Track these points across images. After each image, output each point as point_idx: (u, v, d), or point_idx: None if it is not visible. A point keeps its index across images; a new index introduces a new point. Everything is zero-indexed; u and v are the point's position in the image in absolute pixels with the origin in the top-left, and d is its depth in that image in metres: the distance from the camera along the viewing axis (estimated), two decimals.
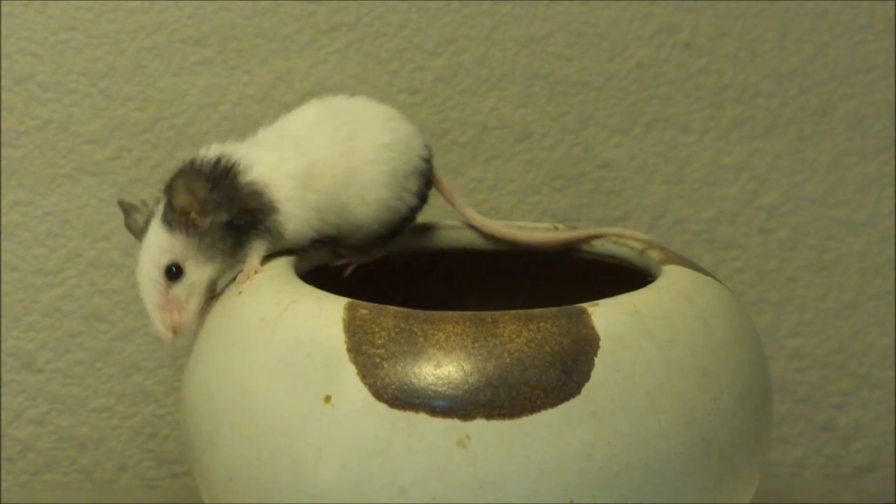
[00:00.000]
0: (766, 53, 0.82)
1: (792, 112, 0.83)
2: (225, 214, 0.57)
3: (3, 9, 0.78)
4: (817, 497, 0.83)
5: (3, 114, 0.79)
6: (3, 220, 0.80)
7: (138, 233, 0.58)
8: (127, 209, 0.59)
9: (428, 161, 0.63)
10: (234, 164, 0.58)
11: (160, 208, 0.57)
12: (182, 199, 0.56)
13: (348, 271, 0.63)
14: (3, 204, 0.80)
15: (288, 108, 0.79)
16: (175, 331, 0.56)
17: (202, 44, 0.80)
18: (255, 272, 0.57)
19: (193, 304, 0.57)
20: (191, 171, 0.57)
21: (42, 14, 0.79)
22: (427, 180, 0.63)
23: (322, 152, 0.60)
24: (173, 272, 0.56)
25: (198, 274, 0.57)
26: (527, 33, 0.81)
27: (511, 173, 0.82)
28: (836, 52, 0.82)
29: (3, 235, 0.80)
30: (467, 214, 0.66)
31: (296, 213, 0.58)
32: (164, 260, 0.56)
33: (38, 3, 0.79)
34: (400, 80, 0.81)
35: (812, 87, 0.83)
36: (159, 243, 0.56)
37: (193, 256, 0.56)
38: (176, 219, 0.56)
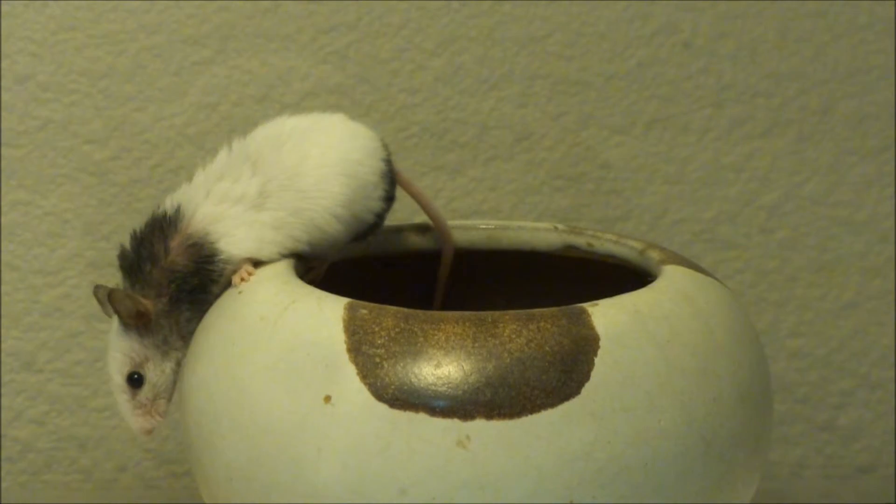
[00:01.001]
0: (766, 53, 0.82)
1: (792, 112, 0.83)
2: (164, 300, 0.57)
3: (3, 9, 0.78)
4: (817, 497, 0.83)
5: (3, 114, 0.79)
6: (3, 220, 0.80)
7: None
8: (101, 300, 0.59)
9: (388, 161, 0.63)
10: (168, 228, 0.58)
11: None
12: (125, 310, 0.57)
13: (317, 276, 0.62)
14: (3, 204, 0.80)
15: (288, 107, 0.80)
16: (148, 432, 0.59)
17: (202, 44, 0.80)
18: (249, 273, 0.57)
19: (160, 405, 0.58)
20: (121, 291, 0.57)
21: (42, 14, 0.79)
22: (391, 180, 0.63)
23: (286, 167, 0.59)
24: (135, 379, 0.58)
25: (157, 374, 0.58)
26: (527, 33, 0.81)
27: (511, 173, 0.82)
28: (836, 52, 0.82)
29: (3, 235, 0.80)
30: (423, 201, 0.66)
31: (245, 237, 0.58)
32: (126, 368, 0.58)
33: (38, 3, 0.79)
34: (400, 80, 0.81)
35: (812, 87, 0.83)
36: (120, 348, 0.58)
37: (151, 357, 0.58)
38: (127, 322, 0.57)
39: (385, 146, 0.63)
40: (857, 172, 0.83)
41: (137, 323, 0.57)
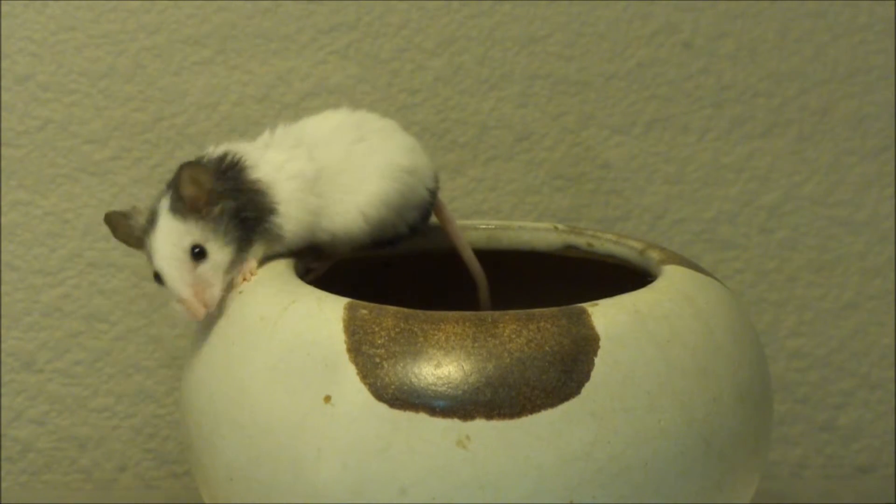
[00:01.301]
0: (766, 53, 0.82)
1: (792, 112, 0.83)
2: (232, 202, 0.57)
3: (3, 9, 0.78)
4: (817, 497, 0.83)
5: (3, 114, 0.79)
6: (3, 220, 0.80)
7: (141, 233, 0.57)
8: (119, 218, 0.58)
9: (433, 194, 0.63)
10: (240, 160, 0.58)
11: (165, 202, 0.57)
12: (190, 189, 0.56)
13: (317, 277, 0.62)
14: (3, 204, 0.80)
15: (288, 107, 0.80)
16: (206, 306, 0.55)
17: (202, 44, 0.80)
18: (252, 274, 0.57)
19: (220, 281, 0.56)
20: (196, 163, 0.56)
21: (42, 14, 0.79)
22: (426, 214, 0.63)
23: (336, 158, 0.60)
24: (196, 252, 0.56)
25: (220, 255, 0.56)
26: (527, 33, 0.81)
27: (511, 173, 0.82)
28: (836, 52, 0.82)
29: (3, 235, 0.80)
30: (459, 245, 0.66)
31: (294, 216, 0.58)
32: (186, 242, 0.56)
33: (38, 3, 0.79)
34: (400, 80, 0.81)
35: (812, 87, 0.83)
36: (176, 230, 0.56)
37: (213, 239, 0.56)
38: (187, 208, 0.56)
39: (436, 178, 0.64)
40: (857, 172, 0.83)
41: (194, 207, 0.56)
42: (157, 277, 0.56)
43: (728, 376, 0.52)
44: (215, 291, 0.55)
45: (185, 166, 0.56)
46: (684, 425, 0.50)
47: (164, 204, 0.57)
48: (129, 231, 0.58)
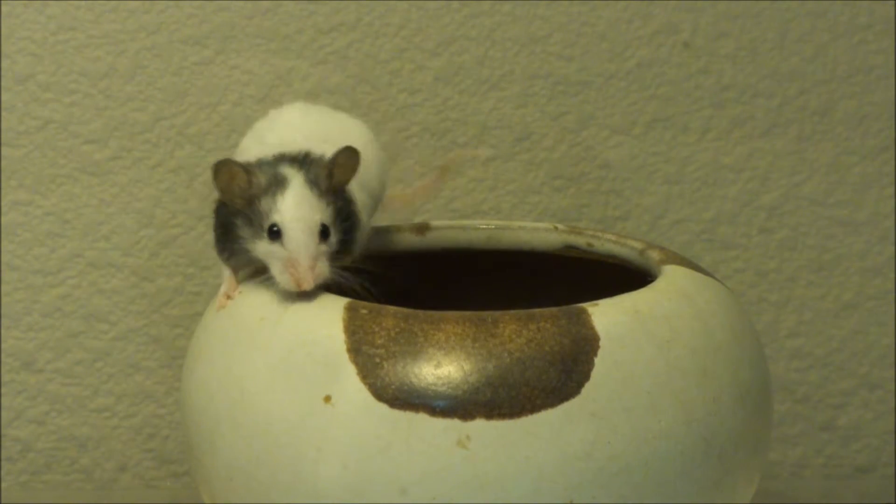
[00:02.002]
0: (766, 53, 0.82)
1: (792, 112, 0.83)
2: (341, 203, 0.56)
3: (3, 9, 0.78)
4: (817, 497, 0.83)
5: (3, 114, 0.79)
6: (3, 220, 0.80)
7: (258, 191, 0.55)
8: (234, 169, 0.55)
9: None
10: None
11: (296, 172, 0.55)
12: (340, 172, 0.55)
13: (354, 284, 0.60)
14: (3, 204, 0.80)
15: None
16: (315, 280, 0.54)
17: (202, 44, 0.80)
18: (228, 297, 0.57)
19: (327, 265, 0.55)
20: (354, 149, 0.55)
21: (42, 14, 0.79)
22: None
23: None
24: (322, 231, 0.55)
25: (333, 244, 0.55)
26: (527, 33, 0.81)
27: (511, 173, 0.82)
28: (836, 52, 0.82)
29: (3, 235, 0.80)
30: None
31: (365, 230, 0.58)
32: (318, 217, 0.55)
33: (38, 3, 0.79)
34: (400, 80, 0.81)
35: (812, 87, 0.83)
36: (310, 202, 0.55)
37: (332, 224, 0.55)
38: (328, 188, 0.55)
39: None
40: (857, 172, 0.83)
41: (330, 189, 0.55)
42: (273, 233, 0.54)
43: (728, 376, 0.52)
44: (326, 271, 0.54)
45: (345, 148, 0.55)
46: (684, 425, 0.50)
47: (297, 173, 0.55)
48: (242, 184, 0.55)
